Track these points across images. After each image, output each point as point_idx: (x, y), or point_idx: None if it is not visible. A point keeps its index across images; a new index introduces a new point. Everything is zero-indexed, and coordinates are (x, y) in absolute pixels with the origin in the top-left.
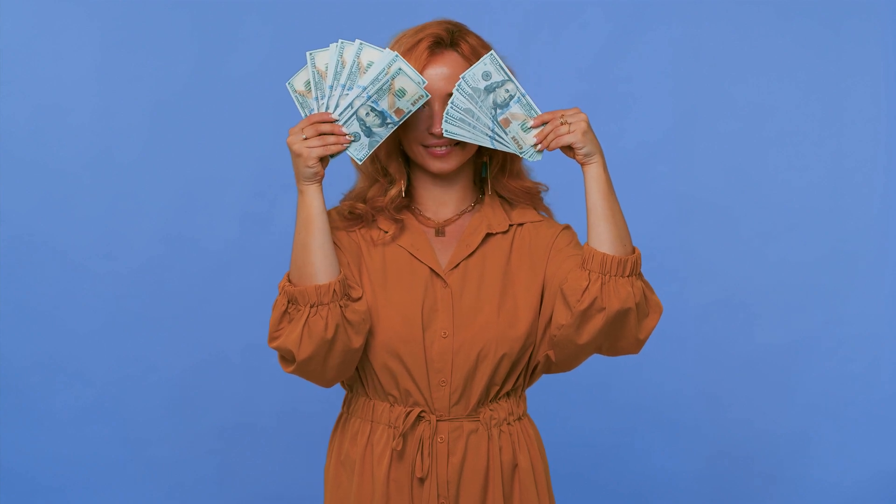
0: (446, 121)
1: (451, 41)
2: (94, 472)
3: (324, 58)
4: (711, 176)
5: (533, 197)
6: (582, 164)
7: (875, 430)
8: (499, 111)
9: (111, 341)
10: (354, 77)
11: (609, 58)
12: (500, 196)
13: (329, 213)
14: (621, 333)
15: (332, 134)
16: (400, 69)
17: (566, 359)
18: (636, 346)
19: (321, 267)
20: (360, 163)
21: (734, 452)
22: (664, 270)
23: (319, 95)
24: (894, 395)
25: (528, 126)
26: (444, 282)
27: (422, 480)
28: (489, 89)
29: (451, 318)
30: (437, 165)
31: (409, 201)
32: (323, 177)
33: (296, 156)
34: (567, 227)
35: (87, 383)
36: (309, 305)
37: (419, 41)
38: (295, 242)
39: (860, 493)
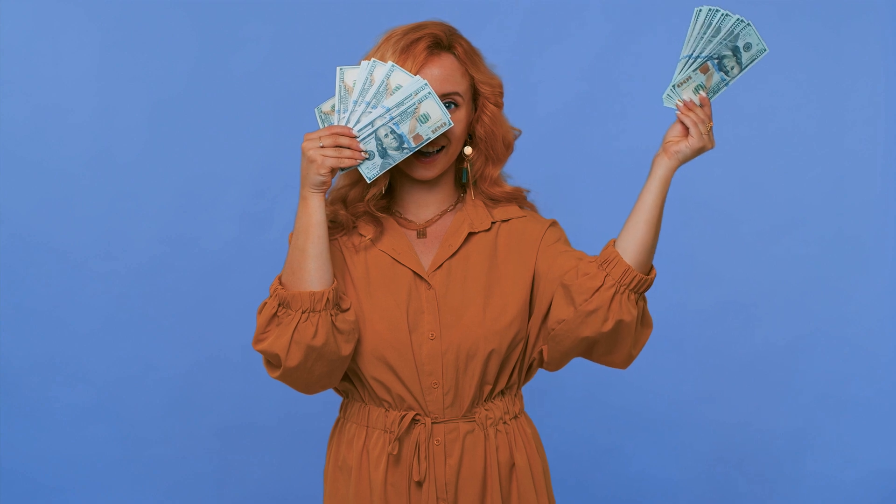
0: (710, 9)
1: (448, 43)
2: (94, 472)
3: (353, 74)
4: (711, 176)
5: (516, 199)
6: (665, 153)
7: (875, 429)
8: (714, 61)
9: (111, 341)
10: (381, 97)
11: (609, 58)
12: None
13: None
14: (616, 347)
15: (350, 148)
16: (429, 94)
17: (558, 356)
18: (627, 361)
19: (317, 274)
20: (369, 181)
21: (734, 453)
22: (663, 271)
23: (342, 109)
24: (894, 394)
25: (698, 92)
26: (428, 284)
27: (419, 484)
28: (735, 50)
29: (438, 319)
30: (421, 172)
31: (389, 202)
32: (329, 187)
33: (309, 161)
34: (554, 223)
35: (87, 383)
36: (301, 311)
37: (417, 40)
38: (292, 247)
39: (860, 493)
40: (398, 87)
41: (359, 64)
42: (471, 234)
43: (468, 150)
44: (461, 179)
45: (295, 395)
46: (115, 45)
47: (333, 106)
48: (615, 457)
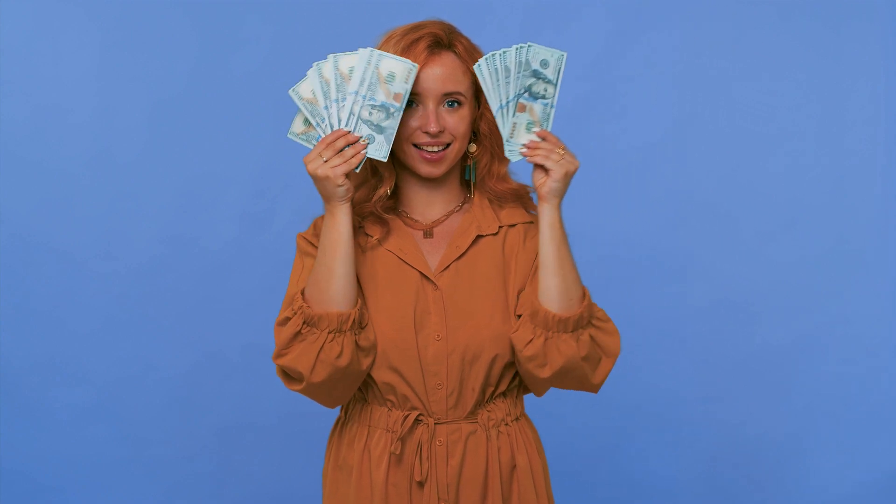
0: (486, 57)
1: (448, 42)
2: (94, 472)
3: (307, 87)
4: (711, 176)
5: (521, 197)
6: (541, 199)
7: (875, 431)
8: (525, 96)
9: (111, 341)
10: (343, 87)
11: (609, 58)
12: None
13: (315, 223)
14: (573, 383)
15: (349, 145)
16: (380, 56)
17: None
18: (595, 388)
19: (345, 295)
20: (384, 160)
21: (734, 454)
22: (664, 271)
23: (318, 121)
24: (894, 394)
25: (532, 129)
26: (435, 284)
27: (421, 484)
28: (536, 74)
29: (445, 321)
30: (426, 169)
31: (395, 203)
32: (353, 192)
33: (322, 180)
34: None
35: (87, 383)
36: (328, 331)
37: (418, 39)
38: (318, 264)
39: (860, 493)
40: (351, 69)
41: (306, 76)
42: (478, 237)
43: (473, 147)
44: (465, 176)
45: (295, 394)
46: (115, 45)
47: (305, 121)
48: (615, 457)
